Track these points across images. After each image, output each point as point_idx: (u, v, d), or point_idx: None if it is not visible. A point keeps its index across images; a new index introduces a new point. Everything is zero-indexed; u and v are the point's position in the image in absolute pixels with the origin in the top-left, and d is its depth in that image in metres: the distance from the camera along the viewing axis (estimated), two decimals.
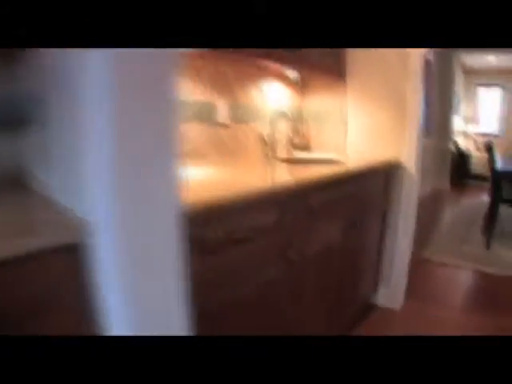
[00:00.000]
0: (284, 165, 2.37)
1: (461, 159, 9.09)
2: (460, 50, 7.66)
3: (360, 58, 3.01)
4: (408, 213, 3.02)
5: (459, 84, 9.54)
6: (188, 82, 2.25)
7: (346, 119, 3.13)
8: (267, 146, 2.58)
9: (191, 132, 2.29)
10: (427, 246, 4.56)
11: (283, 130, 3.05)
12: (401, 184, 2.98)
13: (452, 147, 8.65)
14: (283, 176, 2.08)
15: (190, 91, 2.26)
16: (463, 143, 9.67)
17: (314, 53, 2.63)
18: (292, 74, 2.94)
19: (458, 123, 9.31)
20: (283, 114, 2.60)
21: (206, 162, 2.27)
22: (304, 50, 2.48)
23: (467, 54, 8.56)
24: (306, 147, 3.24)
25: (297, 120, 3.18)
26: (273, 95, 2.95)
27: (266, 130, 2.85)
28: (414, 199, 3.01)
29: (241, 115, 2.66)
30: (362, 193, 2.48)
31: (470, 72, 10.52)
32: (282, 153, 2.89)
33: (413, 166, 2.93)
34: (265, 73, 2.81)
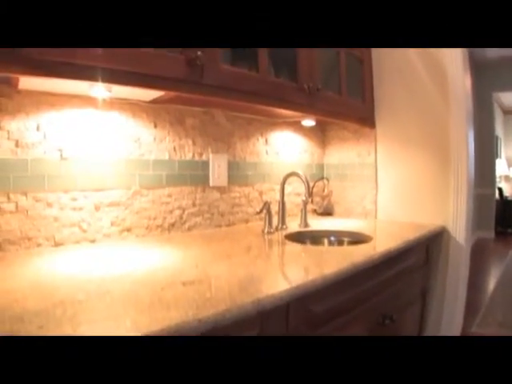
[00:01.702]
0: (292, 244, 1.79)
1: (505, 206, 8.33)
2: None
3: (391, 102, 2.56)
4: (456, 290, 2.36)
5: (498, 124, 8.96)
6: (174, 136, 1.92)
7: (375, 176, 2.61)
8: (272, 216, 2.01)
9: (176, 198, 1.92)
10: (474, 315, 3.84)
11: (295, 192, 2.61)
12: (446, 255, 2.36)
13: (496, 194, 8.02)
14: (282, 271, 1.51)
15: (176, 147, 1.93)
16: (507, 188, 8.95)
17: (334, 98, 2.14)
18: (309, 122, 2.41)
19: (500, 167, 8.69)
20: (295, 175, 2.05)
21: (188, 237, 1.83)
22: (321, 95, 1.99)
23: (506, 93, 7.98)
24: (325, 212, 2.69)
25: (315, 179, 2.70)
26: (283, 148, 2.55)
27: (272, 194, 2.43)
28: (463, 272, 2.36)
29: (241, 175, 2.25)
30: (397, 277, 1.89)
31: (509, 112, 9.95)
32: (294, 222, 2.33)
33: (462, 231, 2.31)
34: (274, 121, 2.44)
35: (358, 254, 1.55)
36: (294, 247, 1.73)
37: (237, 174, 2.20)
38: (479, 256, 6.25)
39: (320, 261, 1.50)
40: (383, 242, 1.83)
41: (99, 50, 1.23)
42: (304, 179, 1.98)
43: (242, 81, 1.67)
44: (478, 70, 6.74)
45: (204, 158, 2.03)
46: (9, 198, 1.43)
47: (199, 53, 1.44)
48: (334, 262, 1.43)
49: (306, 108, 2.01)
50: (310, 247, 1.76)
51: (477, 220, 7.58)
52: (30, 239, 1.48)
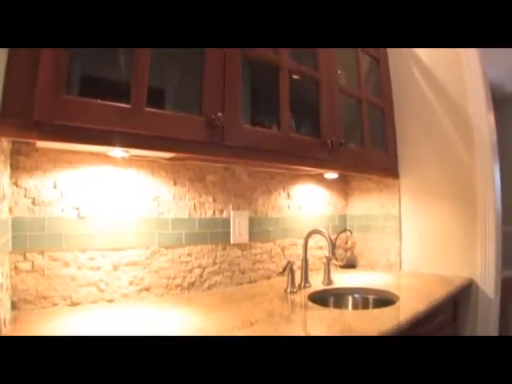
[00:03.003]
0: (315, 308, 1.69)
1: None
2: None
3: (414, 150, 2.48)
4: None
5: None
6: (194, 194, 1.86)
7: (399, 227, 2.51)
8: (294, 274, 1.90)
9: (196, 257, 1.84)
10: None
11: (318, 246, 2.49)
12: (475, 310, 2.22)
13: None
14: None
15: (196, 205, 1.86)
16: None
17: (357, 151, 2.06)
18: (332, 175, 2.34)
19: None
20: (318, 232, 1.96)
21: (208, 297, 1.72)
22: (344, 150, 1.92)
23: None
24: (348, 264, 2.59)
25: (338, 230, 2.57)
26: (306, 201, 2.44)
27: (295, 249, 2.33)
28: (493, 327, 2.21)
29: (263, 231, 2.15)
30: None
31: None
32: (317, 277, 2.20)
33: (491, 284, 2.19)
34: (296, 173, 2.36)
35: (385, 321, 1.44)
36: (317, 312, 1.62)
37: (258, 230, 2.11)
38: (506, 297, 6.01)
39: (345, 329, 1.40)
40: (410, 303, 1.71)
41: (117, 115, 1.19)
42: (327, 237, 1.88)
43: (265, 140, 1.61)
44: (496, 105, 6.60)
45: (225, 214, 1.95)
46: (25, 257, 1.38)
47: (219, 114, 1.38)
48: (360, 330, 1.34)
49: (330, 164, 1.94)
50: (334, 312, 1.65)
51: (503, 259, 7.33)
52: (45, 298, 1.42)
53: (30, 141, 1.30)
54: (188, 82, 1.57)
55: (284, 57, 1.74)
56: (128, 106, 1.23)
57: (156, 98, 1.34)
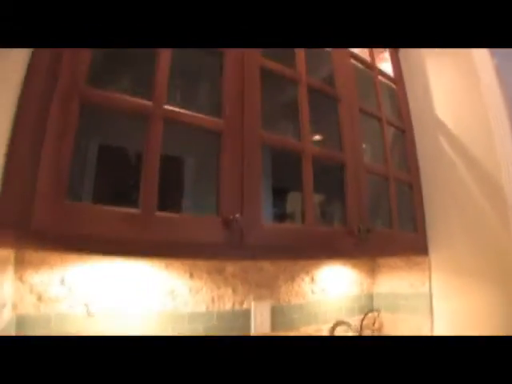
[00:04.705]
0: None
1: None
2: None
3: (444, 225, 2.26)
4: None
5: None
6: (212, 286, 1.71)
7: (431, 306, 2.28)
8: None
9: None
10: None
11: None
12: None
13: None
14: None
15: (215, 298, 1.71)
16: None
17: (385, 235, 1.92)
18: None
19: None
20: (344, 324, 1.78)
21: None
22: (372, 236, 1.76)
23: None
24: None
25: (364, 310, 2.38)
26: (331, 284, 2.25)
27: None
28: None
29: (286, 320, 1.95)
30: None
31: None
32: None
33: None
34: (320, 259, 2.16)
35: None
36: None
37: (281, 319, 1.92)
38: None
39: None
40: None
41: (124, 221, 1.06)
42: (354, 329, 1.70)
43: (287, 236, 1.46)
44: None
45: (245, 305, 1.78)
46: None
47: (237, 215, 1.23)
48: None
49: (356, 253, 1.77)
50: None
51: None
52: None
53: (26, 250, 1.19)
54: (202, 180, 1.44)
55: (307, 142, 1.60)
56: (137, 211, 1.09)
57: (167, 199, 1.20)
